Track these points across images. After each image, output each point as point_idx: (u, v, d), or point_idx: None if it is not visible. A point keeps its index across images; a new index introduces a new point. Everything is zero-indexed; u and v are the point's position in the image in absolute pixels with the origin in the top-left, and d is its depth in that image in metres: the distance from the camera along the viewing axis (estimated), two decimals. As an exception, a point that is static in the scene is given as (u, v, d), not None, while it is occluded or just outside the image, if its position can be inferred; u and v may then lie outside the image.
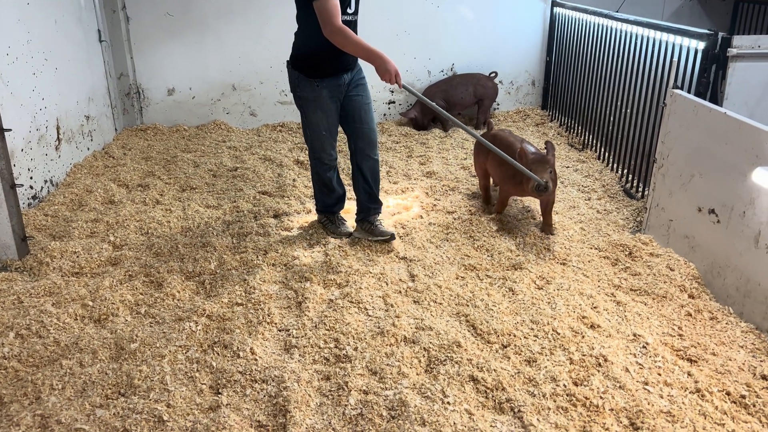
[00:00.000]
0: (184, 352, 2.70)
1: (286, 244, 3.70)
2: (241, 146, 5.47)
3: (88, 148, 5.13)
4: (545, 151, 3.70)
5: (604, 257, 3.59)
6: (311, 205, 4.27)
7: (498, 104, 6.68)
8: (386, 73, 3.19)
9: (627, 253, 3.61)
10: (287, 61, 3.47)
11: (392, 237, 3.75)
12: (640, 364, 2.63)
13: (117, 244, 3.68)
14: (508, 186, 3.88)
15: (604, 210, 4.23)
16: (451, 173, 4.94)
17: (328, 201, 3.86)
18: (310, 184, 4.68)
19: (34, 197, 4.20)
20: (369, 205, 3.80)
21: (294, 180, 4.70)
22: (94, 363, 2.62)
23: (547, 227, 3.90)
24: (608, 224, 4.02)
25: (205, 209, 4.16)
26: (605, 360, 2.64)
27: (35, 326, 2.80)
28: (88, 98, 5.16)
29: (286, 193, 4.47)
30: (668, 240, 3.60)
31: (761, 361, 2.66)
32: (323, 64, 3.35)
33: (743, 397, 2.44)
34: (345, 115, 3.58)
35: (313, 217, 4.08)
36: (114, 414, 2.32)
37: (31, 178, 4.15)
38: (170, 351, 2.68)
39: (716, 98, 3.63)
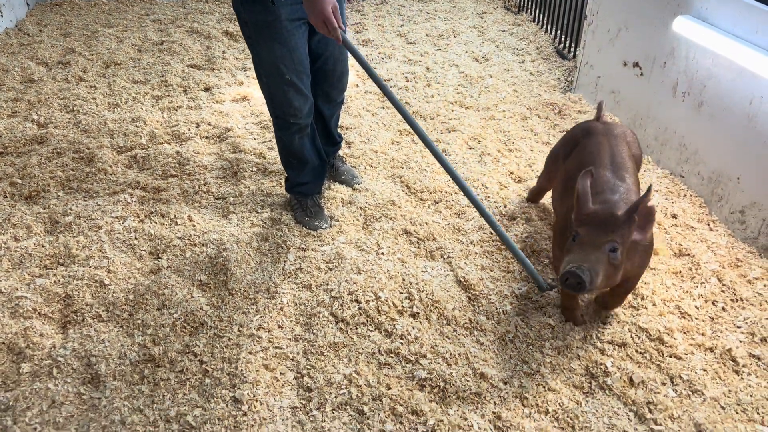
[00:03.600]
0: (121, 222, 2.71)
1: (219, 117, 3.64)
2: (166, 19, 5.18)
3: (-1, 26, 4.78)
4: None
5: (536, 116, 3.68)
6: (243, 77, 4.17)
7: (435, -31, 6.44)
8: (319, 12, 2.09)
9: (557, 111, 3.71)
10: None
11: (358, 182, 3.02)
12: (562, 211, 2.79)
13: (41, 122, 3.54)
14: (555, 242, 2.24)
15: (537, 71, 4.28)
16: (387, 41, 4.85)
17: (298, 178, 2.76)
18: (241, 55, 4.54)
19: (-56, 78, 3.94)
20: (326, 148, 2.95)
21: (224, 52, 4.53)
22: (29, 237, 2.61)
23: (608, 304, 2.25)
24: (540, 85, 4.08)
25: (132, 85, 4.01)
26: (529, 209, 2.79)
27: (-37, 205, 2.75)
28: (-9, -31, 4.73)
29: (216, 65, 4.32)
30: (596, 97, 3.70)
31: (672, 202, 2.86)
32: None
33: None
34: (310, 50, 2.49)
35: (247, 90, 3.99)
36: (54, 282, 2.36)
37: (-63, 57, 3.88)
38: (107, 222, 2.69)
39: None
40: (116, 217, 2.73)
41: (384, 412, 1.89)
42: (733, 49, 2.48)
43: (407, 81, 4.17)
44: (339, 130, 3.13)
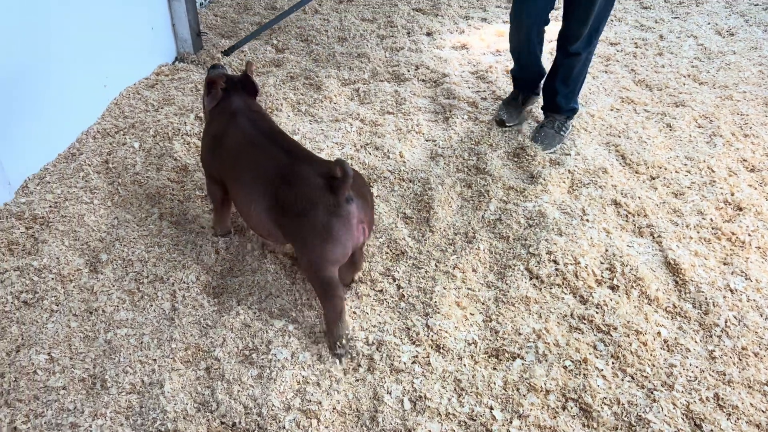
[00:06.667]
0: (339, 148, 2.91)
1: (438, 62, 3.70)
2: (398, -38, 5.31)
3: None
4: None
5: (782, 103, 3.28)
6: (465, 25, 4.18)
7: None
8: None
9: (810, 100, 3.27)
10: None
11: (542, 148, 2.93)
12: (800, 211, 2.49)
13: (279, 47, 3.87)
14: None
15: (792, 53, 3.78)
16: (618, 2, 4.56)
17: (515, 67, 3.08)
18: (465, 4, 4.54)
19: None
20: (546, 104, 3.04)
21: (449, 0, 4.56)
22: (262, 148, 2.90)
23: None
24: (794, 69, 3.61)
25: (361, 22, 4.20)
26: (759, 201, 2.53)
27: (212, 112, 3.11)
28: None
29: (440, 12, 4.38)
30: None
31: None
32: None
33: None
34: None
35: (467, 38, 4.00)
36: (279, 191, 2.61)
37: (202, -20, 4.36)
38: (328, 146, 2.91)
39: None
40: (336, 143, 2.93)
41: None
42: None
43: (636, 47, 3.91)
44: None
